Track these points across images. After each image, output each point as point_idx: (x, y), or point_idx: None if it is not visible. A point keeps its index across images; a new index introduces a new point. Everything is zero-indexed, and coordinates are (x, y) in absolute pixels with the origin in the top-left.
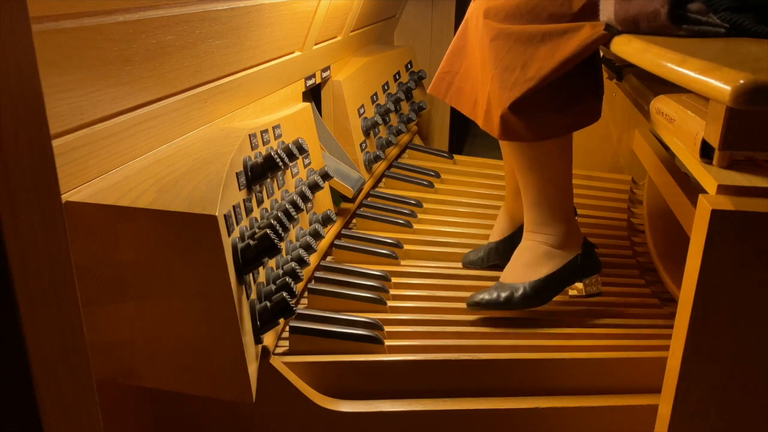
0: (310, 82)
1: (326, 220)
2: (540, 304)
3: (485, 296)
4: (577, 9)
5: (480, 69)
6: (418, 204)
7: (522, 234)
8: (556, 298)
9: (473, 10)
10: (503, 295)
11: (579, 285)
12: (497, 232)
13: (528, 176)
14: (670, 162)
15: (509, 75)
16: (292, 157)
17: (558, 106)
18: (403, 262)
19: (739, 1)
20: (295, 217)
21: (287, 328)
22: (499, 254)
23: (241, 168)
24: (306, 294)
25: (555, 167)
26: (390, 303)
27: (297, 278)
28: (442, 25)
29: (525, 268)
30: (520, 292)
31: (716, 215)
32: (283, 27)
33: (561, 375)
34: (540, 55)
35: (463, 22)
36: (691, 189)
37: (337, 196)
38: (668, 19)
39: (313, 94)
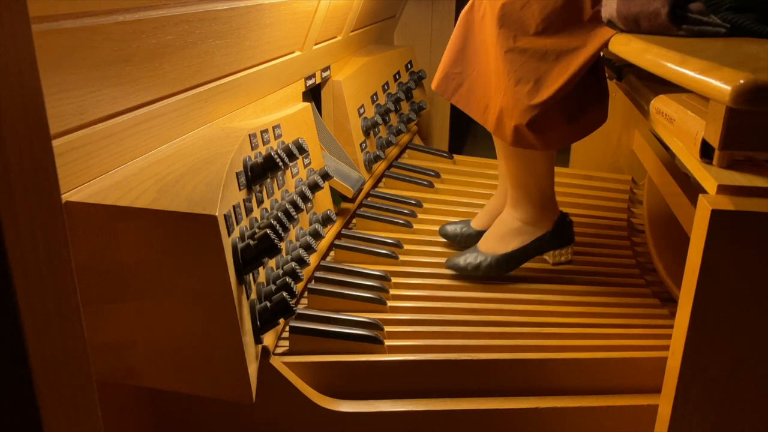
0: (310, 82)
1: (326, 220)
2: (504, 273)
3: (460, 261)
4: (588, 18)
5: (493, 76)
6: (418, 204)
7: None
8: (557, 306)
9: (484, 11)
10: (472, 263)
11: (547, 256)
12: (480, 222)
13: (512, 163)
14: (670, 162)
15: (522, 88)
16: (292, 157)
17: (569, 117)
18: (403, 262)
19: (741, 1)
20: (295, 217)
21: (287, 328)
22: (473, 241)
23: (241, 168)
24: (306, 294)
25: (535, 161)
26: (390, 303)
27: (297, 278)
28: (442, 25)
29: (497, 240)
30: (487, 262)
31: (716, 215)
32: (283, 27)
33: (561, 375)
34: (554, 73)
35: (463, 18)
36: (691, 189)
37: (337, 196)
38: (668, 20)
39: (313, 94)
